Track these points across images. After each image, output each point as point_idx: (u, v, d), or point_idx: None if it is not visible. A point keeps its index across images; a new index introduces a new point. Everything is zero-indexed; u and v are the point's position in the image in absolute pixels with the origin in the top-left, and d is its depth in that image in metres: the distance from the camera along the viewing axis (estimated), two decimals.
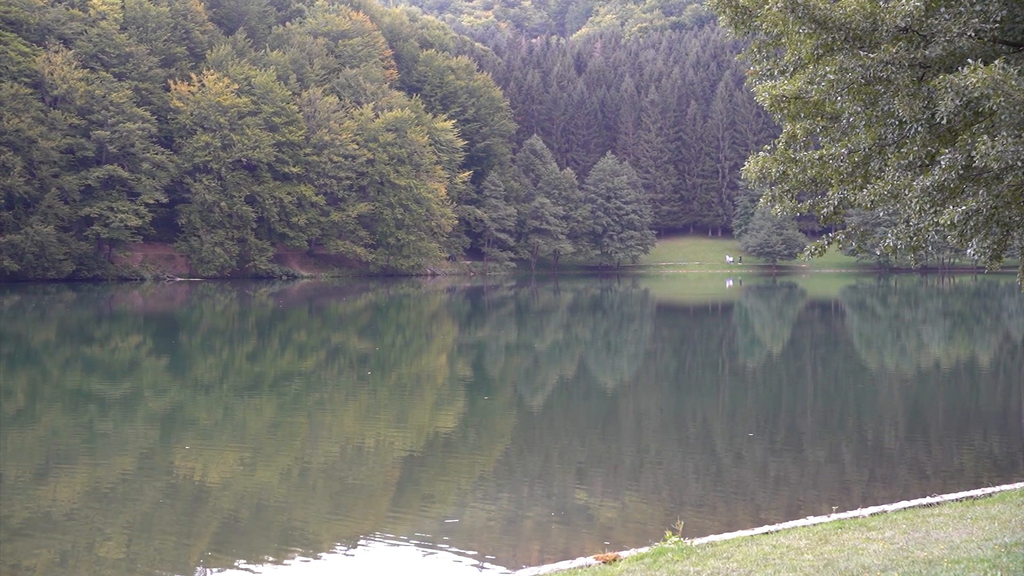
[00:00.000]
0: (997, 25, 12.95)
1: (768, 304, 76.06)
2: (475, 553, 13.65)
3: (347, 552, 13.67)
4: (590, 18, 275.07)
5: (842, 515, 13.05)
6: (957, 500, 13.85)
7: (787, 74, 15.22)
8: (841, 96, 13.90)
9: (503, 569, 12.85)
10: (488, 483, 18.28)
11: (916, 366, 36.99)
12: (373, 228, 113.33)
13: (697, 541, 11.80)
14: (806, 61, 14.22)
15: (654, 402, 28.25)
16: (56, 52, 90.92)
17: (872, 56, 13.02)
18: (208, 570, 12.92)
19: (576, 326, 54.75)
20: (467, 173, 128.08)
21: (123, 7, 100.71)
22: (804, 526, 12.42)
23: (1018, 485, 15.04)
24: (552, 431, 23.68)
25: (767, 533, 12.15)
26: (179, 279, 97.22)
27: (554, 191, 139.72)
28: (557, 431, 23.68)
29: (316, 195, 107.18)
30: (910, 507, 13.46)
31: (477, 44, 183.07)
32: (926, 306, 71.24)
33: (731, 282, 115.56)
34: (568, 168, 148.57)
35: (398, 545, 13.97)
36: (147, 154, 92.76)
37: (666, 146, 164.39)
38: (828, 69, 13.59)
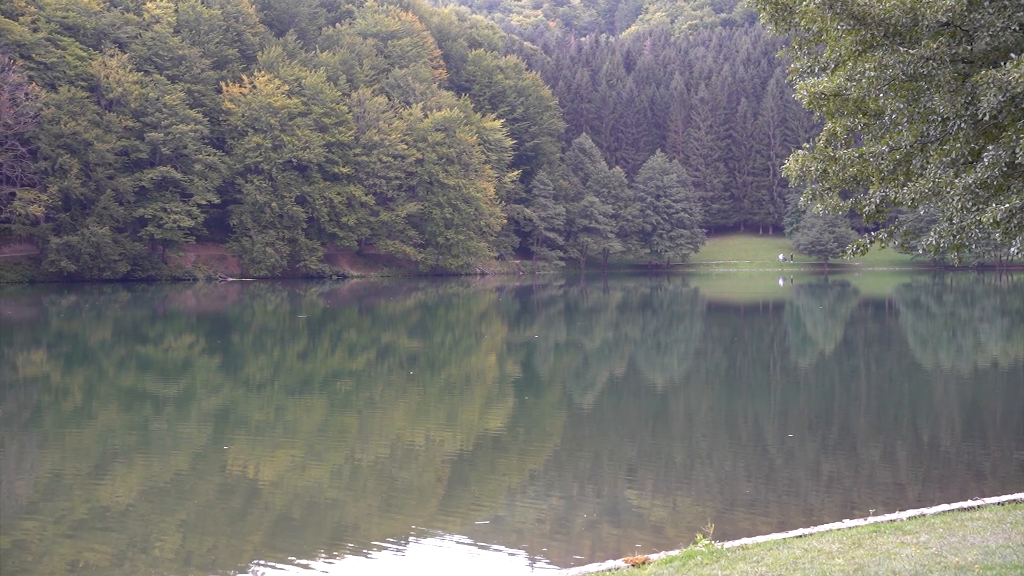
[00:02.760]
0: None
1: (820, 302, 75.15)
2: (524, 552, 13.62)
3: (398, 550, 13.69)
4: (640, 16, 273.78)
5: (879, 518, 12.81)
6: (999, 504, 13.49)
7: (827, 71, 14.94)
8: (882, 93, 13.62)
9: (542, 568, 12.77)
10: (537, 482, 18.20)
11: (973, 365, 36.30)
12: (422, 228, 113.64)
13: (728, 544, 11.63)
14: (845, 58, 13.97)
15: (704, 402, 27.96)
16: (111, 56, 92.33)
17: (912, 52, 12.73)
18: (261, 567, 13.00)
19: (626, 325, 54.45)
20: (516, 172, 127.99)
21: (176, 10, 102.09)
22: (839, 529, 12.21)
23: None
24: (601, 430, 23.46)
25: (800, 536, 11.97)
26: (231, 279, 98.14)
27: (603, 190, 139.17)
28: (606, 430, 23.45)
29: (366, 195, 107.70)
30: (950, 510, 13.17)
31: (526, 43, 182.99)
32: (983, 304, 69.99)
33: (783, 280, 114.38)
34: (617, 167, 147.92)
35: (448, 543, 13.95)
36: (199, 155, 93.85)
37: (716, 144, 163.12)
38: (868, 66, 13.32)
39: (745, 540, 11.96)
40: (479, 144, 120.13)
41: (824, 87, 14.42)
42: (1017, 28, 12.55)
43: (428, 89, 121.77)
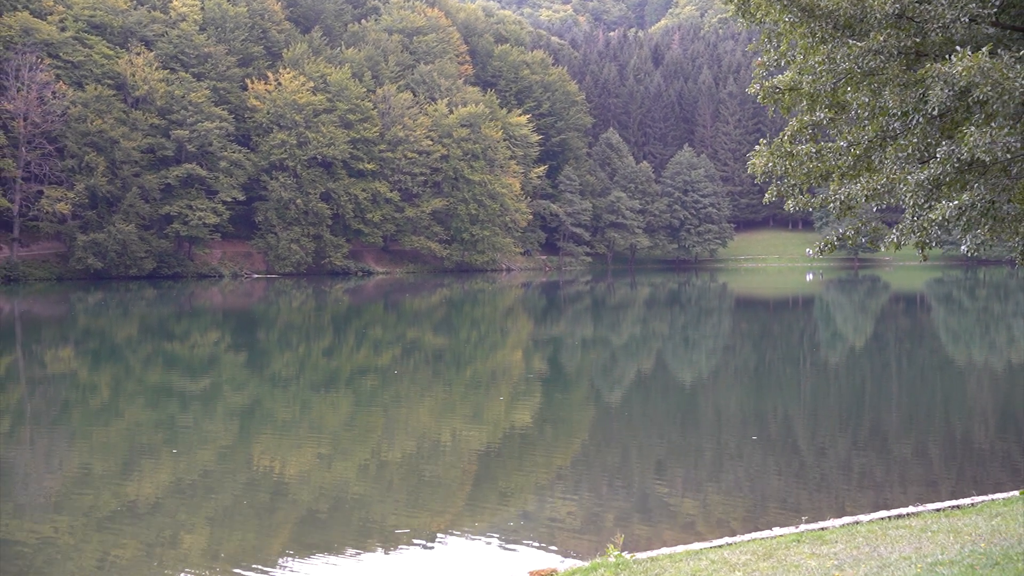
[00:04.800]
0: (995, 10, 12.12)
1: (850, 298, 74.40)
2: (555, 547, 13.61)
3: (425, 545, 13.71)
4: (669, 10, 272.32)
5: (811, 526, 12.69)
6: (936, 511, 13.16)
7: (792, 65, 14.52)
8: (835, 87, 13.19)
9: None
10: (565, 478, 18.15)
11: (1007, 361, 35.65)
12: (447, 223, 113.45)
13: (640, 555, 11.55)
14: (797, 51, 13.59)
15: (733, 398, 27.63)
16: (138, 54, 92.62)
17: (861, 45, 12.26)
18: (288, 562, 13.03)
19: (653, 321, 54.00)
20: (542, 168, 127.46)
21: (202, 8, 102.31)
22: (760, 539, 12.04)
23: (1005, 495, 14.15)
24: (629, 426, 23.45)
25: (717, 547, 11.82)
26: (256, 276, 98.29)
27: (630, 185, 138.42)
28: (635, 426, 23.43)
29: (391, 191, 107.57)
30: (887, 516, 12.92)
31: (553, 38, 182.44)
32: (1016, 299, 68.97)
33: (812, 275, 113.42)
34: (644, 162, 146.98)
35: (474, 539, 13.99)
36: (225, 153, 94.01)
37: (744, 138, 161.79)
38: (816, 60, 12.91)
39: (664, 550, 11.93)
40: (505, 140, 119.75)
41: (780, 81, 14.07)
42: (968, 20, 12.02)
43: (453, 85, 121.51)
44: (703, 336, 45.84)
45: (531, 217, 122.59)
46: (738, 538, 12.25)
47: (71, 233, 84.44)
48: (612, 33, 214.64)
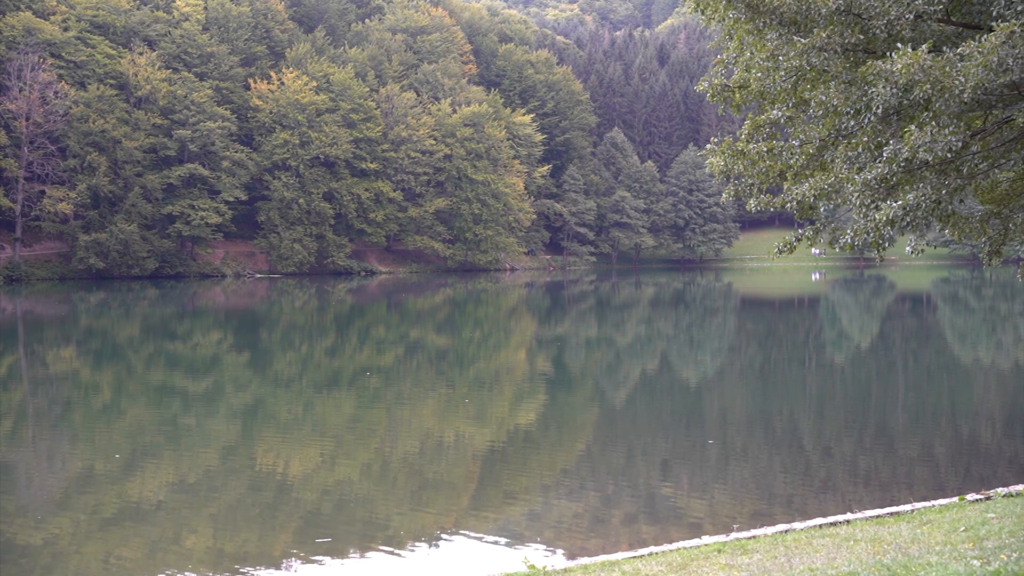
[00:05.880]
0: (941, 7, 11.82)
1: (856, 297, 74.14)
2: (563, 548, 13.52)
3: (429, 545, 13.62)
4: (676, 9, 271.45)
5: (740, 534, 12.41)
6: (868, 519, 12.81)
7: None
8: (794, 84, 12.91)
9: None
10: (570, 478, 18.02)
11: (1014, 361, 35.40)
12: (451, 223, 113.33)
13: (552, 566, 11.45)
14: (744, 48, 13.34)
15: (738, 398, 27.47)
16: (140, 54, 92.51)
17: (805, 41, 11.98)
18: (292, 563, 12.95)
19: (658, 320, 53.75)
20: (546, 167, 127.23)
21: (205, 8, 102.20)
22: (684, 548, 11.82)
23: (946, 500, 13.83)
24: (634, 426, 23.25)
25: (637, 557, 11.64)
26: (259, 275, 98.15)
27: (635, 184, 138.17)
28: (640, 426, 23.26)
29: (393, 191, 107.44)
30: (821, 524, 12.60)
31: (559, 37, 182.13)
32: (1023, 299, 68.60)
33: (817, 275, 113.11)
34: (650, 161, 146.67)
35: (478, 539, 13.91)
36: (227, 152, 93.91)
37: None
38: (762, 56, 12.63)
39: (576, 561, 11.78)
40: (508, 139, 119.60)
41: (731, 79, 13.79)
42: (913, 17, 11.73)
43: (457, 84, 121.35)
44: (708, 336, 45.60)
45: (535, 217, 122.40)
46: (664, 547, 12.06)
47: (73, 233, 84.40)
48: (618, 32, 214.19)
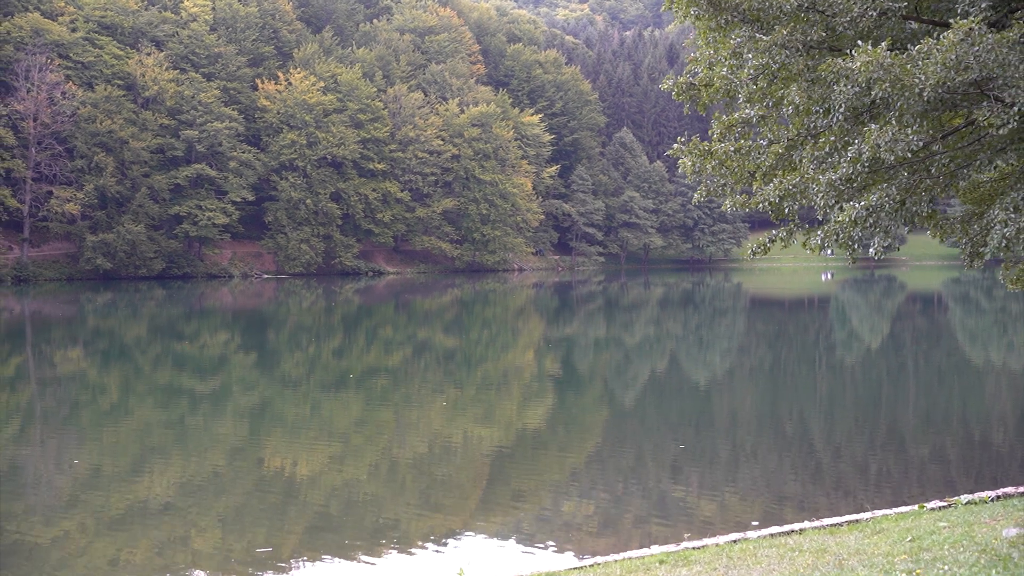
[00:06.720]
0: (906, 3, 11.55)
1: (866, 298, 73.83)
2: (571, 548, 13.41)
3: (437, 547, 13.54)
4: None
5: (691, 543, 12.19)
6: (834, 525, 12.60)
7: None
8: (748, 83, 12.67)
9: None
10: (579, 479, 17.94)
11: None
12: (458, 223, 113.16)
13: None
14: (705, 45, 13.15)
15: (748, 398, 27.37)
16: (148, 54, 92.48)
17: (767, 39, 11.72)
18: (300, 563, 12.92)
19: (667, 321, 53.54)
20: (554, 168, 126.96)
21: (213, 8, 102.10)
22: (627, 559, 11.64)
23: (906, 508, 13.56)
24: (644, 427, 23.11)
25: (576, 568, 11.52)
26: (266, 276, 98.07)
27: (644, 184, 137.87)
28: (649, 427, 23.13)
29: (401, 191, 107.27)
30: (774, 533, 12.36)
31: (568, 37, 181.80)
32: None
33: (827, 275, 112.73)
34: (659, 161, 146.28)
35: (487, 539, 13.87)
36: (234, 153, 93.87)
37: None
38: (724, 54, 12.39)
39: (516, 571, 11.61)
40: (516, 139, 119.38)
41: (697, 77, 13.60)
42: (876, 14, 11.44)
43: (465, 84, 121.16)
44: (717, 336, 45.39)
45: (543, 217, 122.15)
46: (612, 556, 11.91)
47: (80, 233, 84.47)
48: (627, 32, 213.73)
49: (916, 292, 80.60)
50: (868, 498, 15.53)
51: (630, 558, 11.60)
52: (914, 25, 12.39)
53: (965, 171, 12.82)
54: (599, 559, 11.87)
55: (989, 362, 34.84)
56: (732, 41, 12.48)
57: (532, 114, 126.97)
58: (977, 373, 31.90)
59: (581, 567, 11.51)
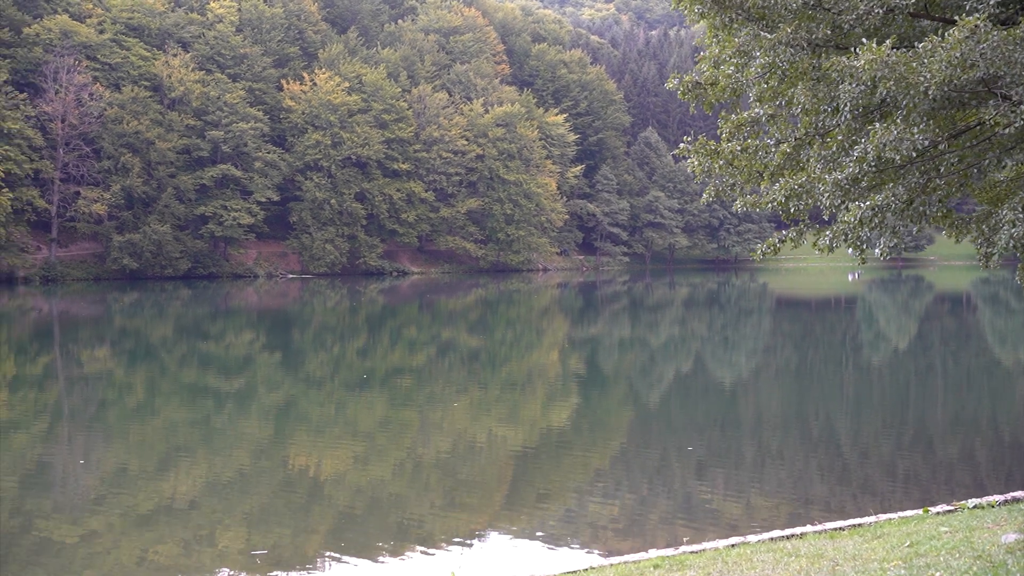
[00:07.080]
0: (913, 1, 11.32)
1: (893, 298, 73.30)
2: (596, 548, 13.33)
3: (463, 546, 13.51)
4: None
5: (692, 547, 12.01)
6: (837, 529, 12.41)
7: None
8: (754, 82, 12.52)
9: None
10: (604, 479, 17.89)
11: None
12: (483, 224, 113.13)
13: None
14: (711, 44, 13.02)
15: (774, 399, 27.20)
16: (174, 56, 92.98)
17: (771, 37, 11.55)
18: (326, 561, 12.91)
19: (692, 321, 53.32)
20: (579, 167, 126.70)
21: (239, 10, 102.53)
22: (623, 563, 11.48)
23: (911, 512, 13.35)
24: (669, 427, 22.99)
25: (570, 573, 11.39)
26: (291, 276, 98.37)
27: (669, 184, 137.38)
28: (675, 427, 23.00)
29: (425, 191, 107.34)
30: (779, 536, 12.17)
31: (593, 37, 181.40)
32: None
33: (854, 275, 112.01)
34: (684, 160, 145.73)
35: (512, 540, 13.79)
36: (260, 153, 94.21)
37: None
38: (727, 52, 12.24)
39: (529, 572, 11.52)
40: (541, 139, 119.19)
41: (703, 76, 13.46)
42: (883, 11, 11.24)
43: (490, 84, 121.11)
44: (743, 337, 45.16)
45: (567, 217, 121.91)
46: (610, 559, 11.81)
47: (107, 234, 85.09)
48: (653, 32, 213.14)
49: (944, 292, 79.94)
50: (896, 500, 15.37)
51: (625, 562, 11.49)
52: (923, 23, 12.22)
53: (976, 170, 12.65)
54: (594, 563, 11.81)
55: (1020, 363, 34.49)
56: (737, 39, 12.37)
57: (557, 114, 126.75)
58: (1007, 375, 31.57)
59: (575, 571, 11.42)
